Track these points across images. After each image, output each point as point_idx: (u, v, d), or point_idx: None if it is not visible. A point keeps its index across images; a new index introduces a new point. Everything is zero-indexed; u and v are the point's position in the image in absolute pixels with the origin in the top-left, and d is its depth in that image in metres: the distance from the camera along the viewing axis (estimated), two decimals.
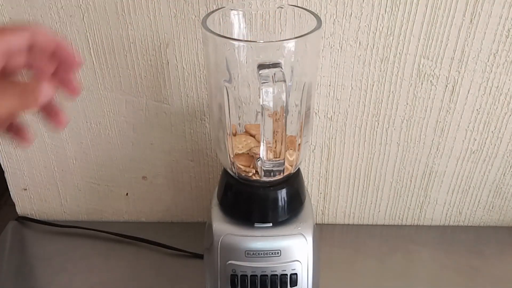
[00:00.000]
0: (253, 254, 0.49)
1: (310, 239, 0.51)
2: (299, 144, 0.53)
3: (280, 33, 0.59)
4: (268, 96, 0.42)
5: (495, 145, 0.69)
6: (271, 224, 0.51)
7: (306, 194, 0.56)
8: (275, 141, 0.46)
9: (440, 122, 0.67)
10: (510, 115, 0.66)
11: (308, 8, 0.52)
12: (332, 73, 0.64)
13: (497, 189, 0.73)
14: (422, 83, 0.64)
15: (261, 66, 0.43)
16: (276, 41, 0.48)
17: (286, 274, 0.50)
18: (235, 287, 0.50)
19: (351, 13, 0.60)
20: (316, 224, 0.55)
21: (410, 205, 0.75)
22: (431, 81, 0.64)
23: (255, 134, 0.53)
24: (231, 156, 0.52)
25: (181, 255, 0.71)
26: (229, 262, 0.50)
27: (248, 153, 0.52)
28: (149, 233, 0.74)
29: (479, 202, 0.75)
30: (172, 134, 0.70)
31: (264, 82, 0.42)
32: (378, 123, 0.68)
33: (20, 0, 0.60)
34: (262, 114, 0.43)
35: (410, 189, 0.74)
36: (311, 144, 0.70)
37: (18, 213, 0.78)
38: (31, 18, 0.61)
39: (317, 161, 0.71)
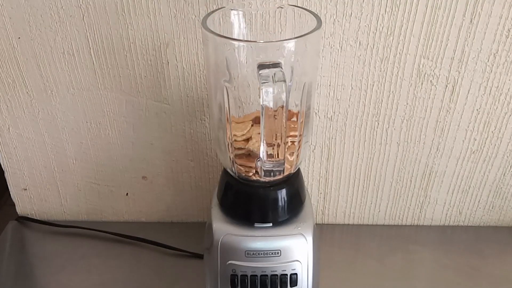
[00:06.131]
0: (253, 254, 0.49)
1: (310, 239, 0.50)
2: (299, 144, 0.53)
3: (280, 33, 0.59)
4: (268, 96, 0.42)
5: (495, 145, 0.69)
6: (271, 224, 0.51)
7: (306, 194, 0.56)
8: (275, 141, 0.46)
9: (440, 122, 0.67)
10: (510, 115, 0.66)
11: (308, 8, 0.52)
12: (332, 73, 0.64)
13: (497, 189, 0.73)
14: (422, 83, 0.64)
15: (261, 66, 0.43)
16: (276, 41, 0.48)
17: (286, 274, 0.50)
18: (235, 287, 0.50)
19: (351, 13, 0.60)
20: (316, 224, 0.55)
21: (410, 205, 0.75)
22: (431, 81, 0.64)
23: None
24: (231, 156, 0.52)
25: (181, 255, 0.71)
26: (229, 262, 0.50)
27: (248, 153, 0.52)
28: (149, 233, 0.74)
29: (479, 202, 0.75)
30: (172, 134, 0.70)
31: (264, 82, 0.42)
32: (378, 123, 0.68)
33: (20, 0, 0.60)
34: (262, 114, 0.43)
35: (410, 189, 0.74)
36: (311, 144, 0.70)
37: (18, 213, 0.78)
38: (31, 18, 0.61)
39: (317, 161, 0.71)
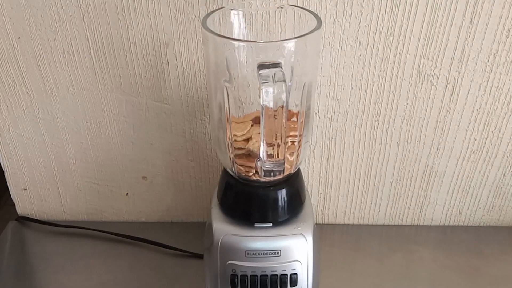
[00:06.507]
0: (253, 254, 0.49)
1: (310, 239, 0.50)
2: (299, 144, 0.53)
3: (280, 33, 0.59)
4: (268, 96, 0.42)
5: (495, 145, 0.69)
6: (271, 224, 0.51)
7: (306, 194, 0.56)
8: (275, 141, 0.46)
9: (440, 122, 0.67)
10: (510, 115, 0.66)
11: (308, 8, 0.52)
12: (332, 73, 0.64)
13: (497, 189, 0.73)
14: (422, 83, 0.64)
15: (261, 66, 0.43)
16: (276, 41, 0.48)
17: (286, 274, 0.50)
18: (235, 287, 0.50)
19: (351, 13, 0.60)
20: (316, 224, 0.55)
21: (410, 205, 0.75)
22: (431, 81, 0.64)
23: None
24: (231, 156, 0.52)
25: (181, 255, 0.71)
26: (229, 262, 0.50)
27: (248, 153, 0.52)
28: (149, 233, 0.74)
29: (479, 202, 0.75)
30: (172, 134, 0.70)
31: (264, 82, 0.42)
32: (378, 123, 0.68)
33: (20, 0, 0.60)
34: (262, 114, 0.43)
35: (410, 189, 0.74)
36: (311, 144, 0.70)
37: (18, 213, 0.78)
38: (31, 18, 0.61)
39: (317, 161, 0.71)
